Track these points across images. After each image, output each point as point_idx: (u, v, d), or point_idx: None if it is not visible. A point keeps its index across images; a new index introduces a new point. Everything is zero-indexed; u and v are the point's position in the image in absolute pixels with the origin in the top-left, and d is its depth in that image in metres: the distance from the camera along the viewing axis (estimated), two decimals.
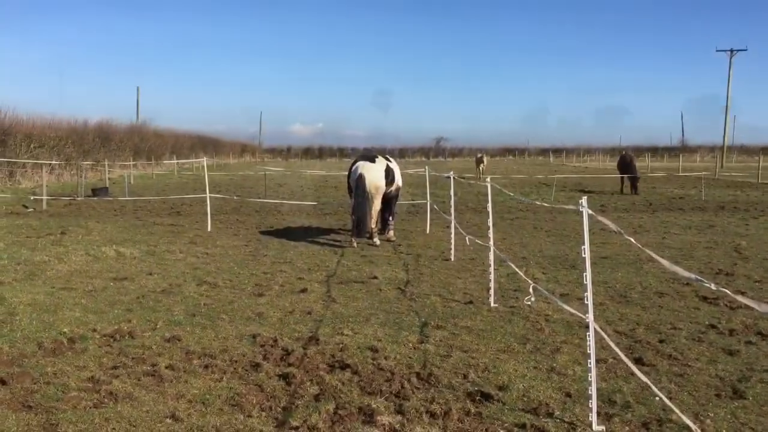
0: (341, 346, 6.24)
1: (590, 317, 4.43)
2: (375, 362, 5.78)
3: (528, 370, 5.59)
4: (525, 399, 4.97)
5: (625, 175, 27.67)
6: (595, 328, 4.45)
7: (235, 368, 5.61)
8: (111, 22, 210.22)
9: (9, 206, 21.16)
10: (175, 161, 49.29)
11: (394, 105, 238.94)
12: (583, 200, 4.46)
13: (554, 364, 5.73)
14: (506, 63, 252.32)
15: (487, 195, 8.41)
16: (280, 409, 4.76)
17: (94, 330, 6.66)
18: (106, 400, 4.86)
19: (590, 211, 4.48)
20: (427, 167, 17.54)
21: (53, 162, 33.00)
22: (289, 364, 5.69)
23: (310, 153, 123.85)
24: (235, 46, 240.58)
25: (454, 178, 11.63)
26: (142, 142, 52.84)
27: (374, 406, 4.78)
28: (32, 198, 22.40)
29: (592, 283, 4.45)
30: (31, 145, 33.71)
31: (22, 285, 8.76)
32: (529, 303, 7.26)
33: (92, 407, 4.74)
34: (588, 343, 4.44)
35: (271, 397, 4.97)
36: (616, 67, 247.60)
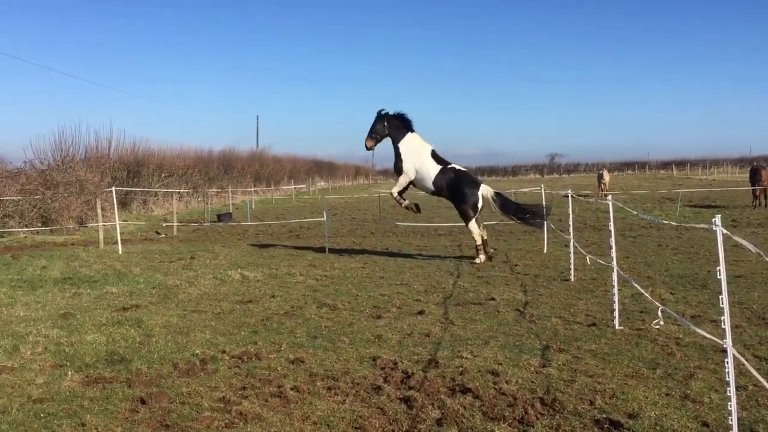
0: (461, 369, 6.19)
1: (728, 341, 4.17)
2: (496, 386, 5.69)
3: (659, 397, 5.31)
4: (658, 428, 4.72)
5: (758, 187, 25.94)
6: (733, 353, 4.18)
7: (357, 391, 5.69)
8: (232, 53, 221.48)
9: (143, 233, 22.62)
10: (293, 186, 51.02)
11: (507, 123, 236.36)
12: (717, 218, 4.22)
13: (688, 391, 5.42)
14: (621, 73, 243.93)
15: (606, 212, 8.14)
16: None
17: (224, 351, 6.97)
18: (236, 420, 5.06)
19: (725, 231, 4.22)
20: (542, 185, 17.21)
21: (182, 190, 35.01)
22: (410, 387, 5.71)
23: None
24: (348, 70, 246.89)
25: (572, 196, 11.35)
26: (262, 168, 55.14)
27: None
28: (164, 225, 23.85)
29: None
30: (162, 175, 35.96)
31: (157, 308, 9.31)
32: (658, 326, 6.93)
33: (224, 427, 4.94)
34: (726, 369, 4.17)
35: (393, 421, 5.00)
36: (742, 70, 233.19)
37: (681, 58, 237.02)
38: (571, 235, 11.09)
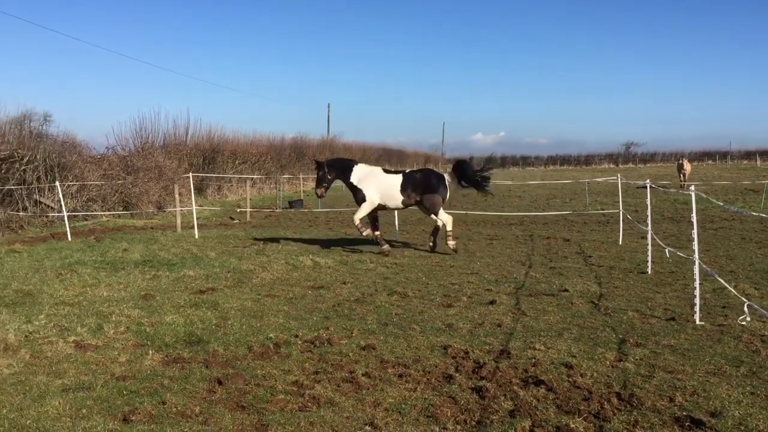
0: (534, 360, 6.10)
1: None
2: (570, 379, 5.58)
3: (743, 396, 5.10)
4: (742, 428, 4.53)
5: None
6: None
7: (428, 379, 5.68)
8: (304, 43, 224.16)
9: (218, 218, 23.20)
10: None
11: (578, 111, 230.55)
12: None
13: None
14: (700, 59, 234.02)
15: (686, 204, 7.85)
16: (474, 423, 4.74)
17: (296, 336, 7.08)
18: (309, 404, 5.14)
19: None
20: (619, 175, 16.75)
21: (255, 176, 35.72)
22: (482, 378, 5.66)
23: (491, 162, 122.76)
24: (419, 57, 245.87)
25: (650, 186, 11.00)
26: (333, 156, 55.64)
27: (572, 426, 4.61)
28: (238, 210, 24.39)
29: None
30: (236, 162, 36.75)
31: (232, 291, 9.53)
32: (744, 322, 6.64)
33: (298, 410, 5.02)
34: None
35: (465, 410, 4.97)
36: None
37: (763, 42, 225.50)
38: (649, 227, 10.76)
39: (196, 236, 16.70)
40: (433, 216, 13.56)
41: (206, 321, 7.74)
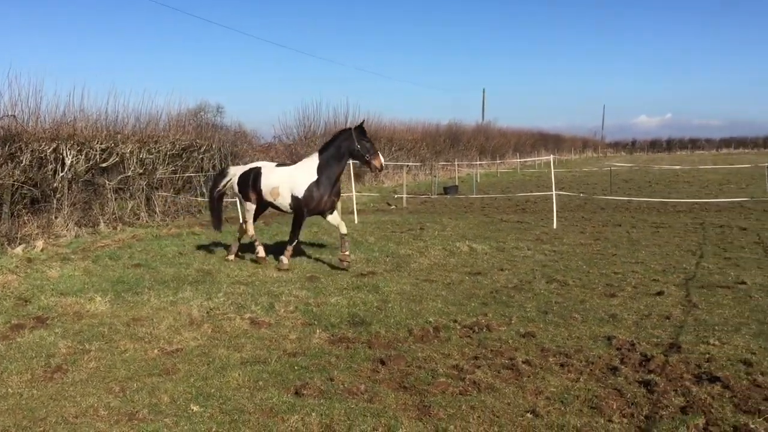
0: (707, 356, 5.76)
1: None
2: (749, 377, 5.22)
3: None
4: None
5: None
6: None
7: (591, 369, 5.54)
8: (461, 30, 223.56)
9: (375, 204, 23.81)
10: (518, 159, 50.44)
11: (759, 90, 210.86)
12: None
13: None
14: None
15: None
16: (642, 418, 4.58)
17: (455, 321, 7.15)
18: (470, 388, 5.19)
19: None
20: None
21: (410, 163, 36.22)
22: (650, 371, 5.43)
23: (656, 146, 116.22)
24: (571, 39, 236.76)
25: None
26: (487, 142, 55.14)
27: (752, 426, 4.32)
28: (395, 196, 24.88)
29: None
30: (392, 148, 37.43)
31: (391, 275, 9.78)
32: None
33: (458, 394, 5.10)
34: None
35: (632, 404, 4.80)
36: None
37: None
38: None
39: (356, 221, 17.23)
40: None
41: (368, 303, 8.02)
